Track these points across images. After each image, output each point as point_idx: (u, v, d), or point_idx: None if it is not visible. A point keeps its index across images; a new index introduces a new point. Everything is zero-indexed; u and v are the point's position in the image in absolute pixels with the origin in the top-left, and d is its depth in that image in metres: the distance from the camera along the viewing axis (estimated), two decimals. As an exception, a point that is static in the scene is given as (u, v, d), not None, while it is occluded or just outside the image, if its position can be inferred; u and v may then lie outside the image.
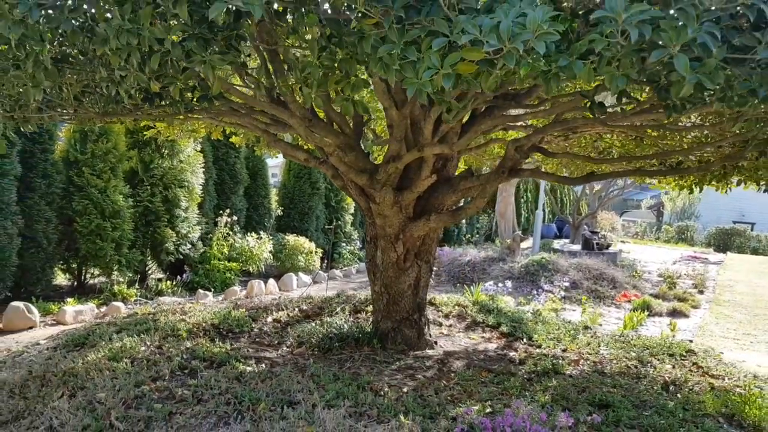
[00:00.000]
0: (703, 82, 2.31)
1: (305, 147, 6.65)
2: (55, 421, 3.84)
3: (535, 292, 10.45)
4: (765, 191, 6.41)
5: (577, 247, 17.02)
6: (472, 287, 9.86)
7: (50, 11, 2.84)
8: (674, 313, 10.34)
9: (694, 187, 6.99)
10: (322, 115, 5.33)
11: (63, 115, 4.68)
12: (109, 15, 2.87)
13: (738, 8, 2.30)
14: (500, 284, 9.97)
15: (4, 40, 2.89)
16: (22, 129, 4.89)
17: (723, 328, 9.42)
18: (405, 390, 4.63)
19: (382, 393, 4.47)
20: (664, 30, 2.20)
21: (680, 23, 2.19)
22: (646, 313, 9.78)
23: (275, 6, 3.09)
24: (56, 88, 4.00)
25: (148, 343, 5.34)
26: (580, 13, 2.70)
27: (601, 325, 8.49)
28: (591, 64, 2.41)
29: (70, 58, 3.74)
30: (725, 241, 27.77)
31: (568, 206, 25.18)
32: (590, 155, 7.42)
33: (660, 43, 2.26)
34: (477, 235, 21.13)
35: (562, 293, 10.46)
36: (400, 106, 4.60)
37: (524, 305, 8.98)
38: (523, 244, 19.39)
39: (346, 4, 2.44)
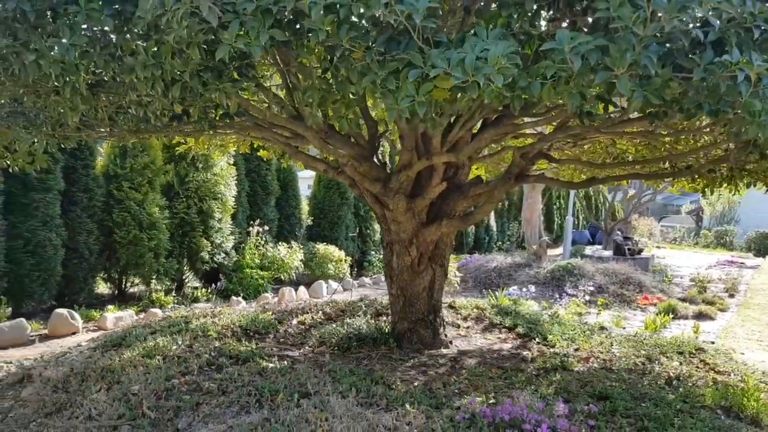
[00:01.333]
0: (650, 99, 2.59)
1: (326, 158, 7.00)
2: (93, 411, 4.25)
3: (558, 296, 10.60)
4: (774, 193, 6.52)
5: (608, 253, 17.00)
6: (497, 292, 10.07)
7: (85, 46, 3.25)
8: (700, 316, 10.35)
9: (706, 189, 7.12)
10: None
11: (99, 133, 5.13)
12: (135, 48, 3.28)
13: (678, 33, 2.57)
14: (524, 289, 10.17)
15: (45, 71, 3.31)
16: (63, 146, 5.37)
17: (748, 330, 9.44)
18: (415, 384, 4.92)
19: (393, 386, 4.77)
20: (610, 56, 2.48)
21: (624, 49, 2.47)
22: (671, 315, 9.84)
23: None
24: (92, 110, 4.45)
25: (180, 343, 5.74)
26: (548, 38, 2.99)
27: (624, 327, 8.62)
28: (552, 83, 2.71)
29: (103, 82, 4.18)
30: (766, 246, 27.27)
31: (603, 212, 25.10)
32: (604, 161, 7.62)
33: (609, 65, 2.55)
34: (508, 242, 21.26)
35: (587, 297, 10.56)
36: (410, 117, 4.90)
37: (547, 309, 9.15)
38: (555, 251, 19.46)
39: (330, 44, 2.79)
